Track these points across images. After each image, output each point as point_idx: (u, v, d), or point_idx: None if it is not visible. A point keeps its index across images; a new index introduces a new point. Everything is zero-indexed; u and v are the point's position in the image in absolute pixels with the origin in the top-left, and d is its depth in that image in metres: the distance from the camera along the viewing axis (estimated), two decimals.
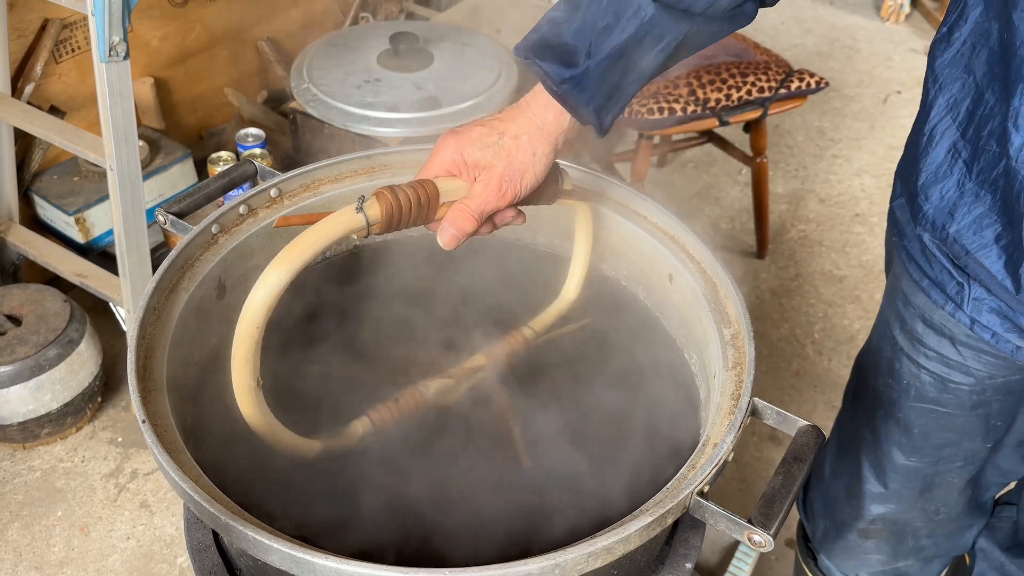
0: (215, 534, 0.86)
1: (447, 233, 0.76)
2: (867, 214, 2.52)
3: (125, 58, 1.43)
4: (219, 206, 0.95)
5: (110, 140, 1.49)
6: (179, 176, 1.99)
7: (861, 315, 2.18)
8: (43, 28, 1.79)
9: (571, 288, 1.00)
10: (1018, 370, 0.93)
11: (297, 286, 0.71)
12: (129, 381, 0.75)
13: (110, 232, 1.90)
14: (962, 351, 0.93)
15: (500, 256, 1.04)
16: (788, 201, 2.56)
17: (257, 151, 1.87)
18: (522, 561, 0.62)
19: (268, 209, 0.97)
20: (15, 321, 1.70)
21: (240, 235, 0.94)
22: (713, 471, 0.70)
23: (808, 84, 2.02)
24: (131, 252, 1.62)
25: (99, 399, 1.84)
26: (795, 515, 1.34)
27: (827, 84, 2.04)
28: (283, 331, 0.83)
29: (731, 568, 1.52)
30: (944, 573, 1.27)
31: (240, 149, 1.88)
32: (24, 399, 1.67)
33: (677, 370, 0.95)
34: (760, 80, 1.99)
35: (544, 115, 0.76)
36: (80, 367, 1.73)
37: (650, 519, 0.66)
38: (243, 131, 1.89)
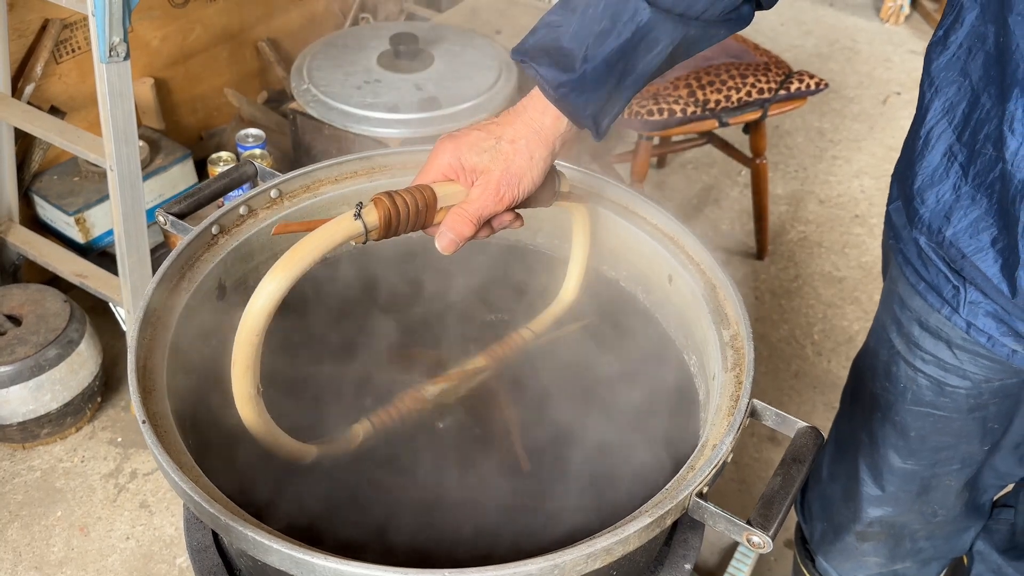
0: (215, 535, 0.86)
1: (445, 238, 0.76)
2: (867, 215, 2.52)
3: (125, 58, 1.43)
4: (219, 207, 0.95)
5: (110, 140, 1.49)
6: (179, 176, 1.99)
7: (860, 316, 2.18)
8: (43, 28, 1.79)
9: (569, 289, 1.00)
10: (1014, 373, 0.93)
11: (296, 288, 0.71)
12: (129, 381, 0.76)
13: (110, 232, 1.91)
14: (958, 355, 0.93)
15: (499, 258, 1.04)
16: (788, 202, 2.56)
17: (257, 152, 1.87)
18: (522, 562, 0.62)
19: (268, 210, 0.97)
20: (15, 321, 1.70)
21: (240, 236, 0.94)
22: (712, 472, 0.70)
23: (808, 85, 2.02)
24: (131, 252, 1.62)
25: (99, 399, 1.84)
26: (794, 516, 1.34)
27: (827, 85, 2.05)
28: (283, 334, 0.83)
29: (730, 569, 1.52)
30: (942, 575, 1.27)
31: (240, 150, 1.88)
32: (24, 399, 1.67)
33: (676, 371, 0.95)
34: (760, 81, 1.99)
35: (541, 119, 0.76)
36: (80, 367, 1.73)
37: (649, 520, 0.66)
38: (243, 132, 1.89)
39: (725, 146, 2.26)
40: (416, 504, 0.81)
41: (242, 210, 0.95)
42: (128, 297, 1.69)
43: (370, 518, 0.79)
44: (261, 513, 0.69)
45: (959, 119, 0.83)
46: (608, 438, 0.88)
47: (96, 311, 1.89)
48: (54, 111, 1.87)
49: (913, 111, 0.91)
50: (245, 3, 2.19)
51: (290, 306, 0.74)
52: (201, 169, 2.03)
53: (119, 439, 1.81)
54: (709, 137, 2.25)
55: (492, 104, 1.91)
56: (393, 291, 1.01)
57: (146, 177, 1.86)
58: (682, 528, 0.88)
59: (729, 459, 0.73)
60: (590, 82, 0.73)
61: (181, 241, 0.89)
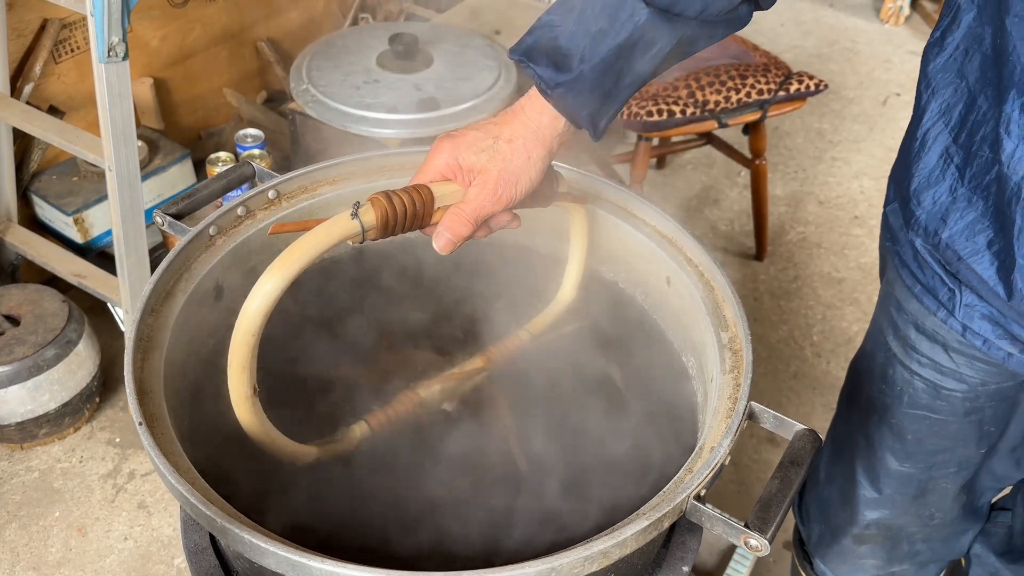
0: (212, 536, 0.86)
1: (443, 238, 0.76)
2: (866, 216, 2.52)
3: (124, 58, 1.43)
4: (218, 207, 0.95)
5: (109, 140, 1.49)
6: (178, 176, 1.99)
7: (859, 317, 2.18)
8: (42, 28, 1.79)
9: (567, 291, 1.00)
10: (1010, 376, 0.93)
11: (293, 289, 0.71)
12: (126, 383, 0.75)
13: (109, 232, 1.90)
14: (955, 358, 0.93)
15: (498, 258, 1.04)
16: (787, 203, 2.56)
17: (256, 152, 1.87)
18: (519, 565, 0.62)
19: (266, 211, 0.97)
20: (13, 321, 1.70)
21: (238, 237, 0.94)
22: (710, 475, 0.70)
23: (807, 86, 2.02)
24: (129, 253, 1.62)
25: (97, 399, 1.84)
26: (792, 518, 1.34)
27: (826, 86, 2.04)
28: (280, 335, 0.83)
29: (729, 571, 1.52)
30: None
31: (239, 150, 1.88)
32: (22, 399, 1.66)
33: (675, 373, 0.95)
34: (759, 82, 1.99)
35: (539, 119, 0.76)
36: (78, 367, 1.73)
37: (646, 523, 0.66)
38: (242, 132, 1.89)
39: (725, 147, 2.26)
40: (413, 506, 0.81)
41: (240, 211, 0.95)
42: (126, 297, 1.69)
43: (367, 520, 0.79)
44: (258, 515, 0.69)
45: (956, 121, 0.83)
46: (606, 440, 0.88)
47: (94, 311, 1.89)
48: (53, 111, 1.87)
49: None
50: (245, 3, 2.19)
51: (287, 306, 0.74)
52: (200, 169, 2.03)
53: (117, 439, 1.81)
54: (708, 138, 2.25)
55: (492, 105, 1.91)
56: (390, 292, 1.01)
57: (145, 177, 1.86)
58: (680, 530, 0.88)
59: (727, 462, 0.73)
60: (588, 82, 0.73)
61: (179, 242, 0.89)
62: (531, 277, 1.03)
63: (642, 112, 1.91)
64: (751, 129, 2.14)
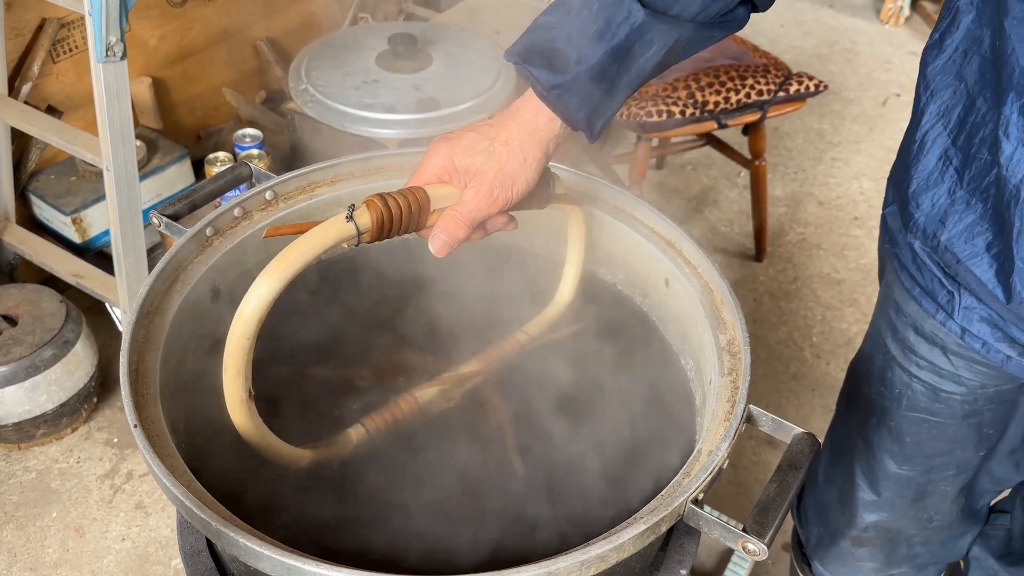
0: (208, 539, 0.86)
1: (438, 240, 0.76)
2: (866, 217, 2.52)
3: (122, 58, 1.43)
4: (216, 207, 0.94)
5: (107, 140, 1.48)
6: (176, 176, 1.99)
7: (859, 319, 2.18)
8: (40, 27, 1.79)
9: (565, 292, 0.99)
10: (1009, 379, 0.93)
11: (289, 290, 0.70)
12: (121, 385, 0.75)
13: (107, 232, 1.90)
14: (953, 360, 0.93)
15: (495, 260, 1.03)
16: (787, 204, 2.55)
17: (255, 152, 1.87)
18: (515, 569, 0.62)
19: (263, 212, 0.97)
20: (11, 321, 1.70)
21: (235, 238, 0.93)
22: (708, 479, 0.70)
23: (807, 87, 2.01)
24: (127, 253, 1.62)
25: (95, 400, 1.83)
26: (791, 520, 1.34)
27: (826, 87, 2.04)
28: (276, 337, 0.83)
29: (727, 572, 1.52)
30: None
31: (238, 150, 1.88)
32: (19, 400, 1.66)
33: (673, 375, 0.95)
34: (759, 83, 1.98)
35: (535, 120, 0.75)
36: (76, 368, 1.72)
37: (644, 527, 0.66)
38: (241, 131, 1.89)
39: (724, 148, 2.26)
40: (409, 510, 0.81)
41: (236, 212, 0.95)
42: (124, 297, 1.68)
43: (363, 524, 0.78)
44: (253, 518, 0.69)
45: (954, 123, 0.83)
46: (604, 443, 0.87)
47: (92, 311, 1.89)
48: (51, 110, 1.86)
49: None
50: (243, 3, 2.19)
51: (284, 309, 0.74)
52: (199, 169, 2.02)
53: (115, 440, 1.81)
54: (708, 139, 2.25)
55: (491, 105, 1.90)
56: (387, 294, 1.01)
57: (143, 177, 1.86)
58: (678, 533, 0.87)
59: (725, 465, 0.73)
60: (584, 84, 0.73)
61: (175, 243, 0.89)
62: (529, 279, 1.03)
63: (641, 113, 1.90)
64: (751, 130, 2.13)
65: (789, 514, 0.99)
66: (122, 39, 1.41)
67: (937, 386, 0.96)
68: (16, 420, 1.69)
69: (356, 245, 0.74)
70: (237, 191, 1.03)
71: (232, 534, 0.64)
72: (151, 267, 1.64)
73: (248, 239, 0.94)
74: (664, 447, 0.85)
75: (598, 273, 1.05)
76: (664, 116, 1.91)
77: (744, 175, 2.63)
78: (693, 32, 0.74)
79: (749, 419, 0.77)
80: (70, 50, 1.86)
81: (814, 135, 2.84)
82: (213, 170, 1.84)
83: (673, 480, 0.72)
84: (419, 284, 1.00)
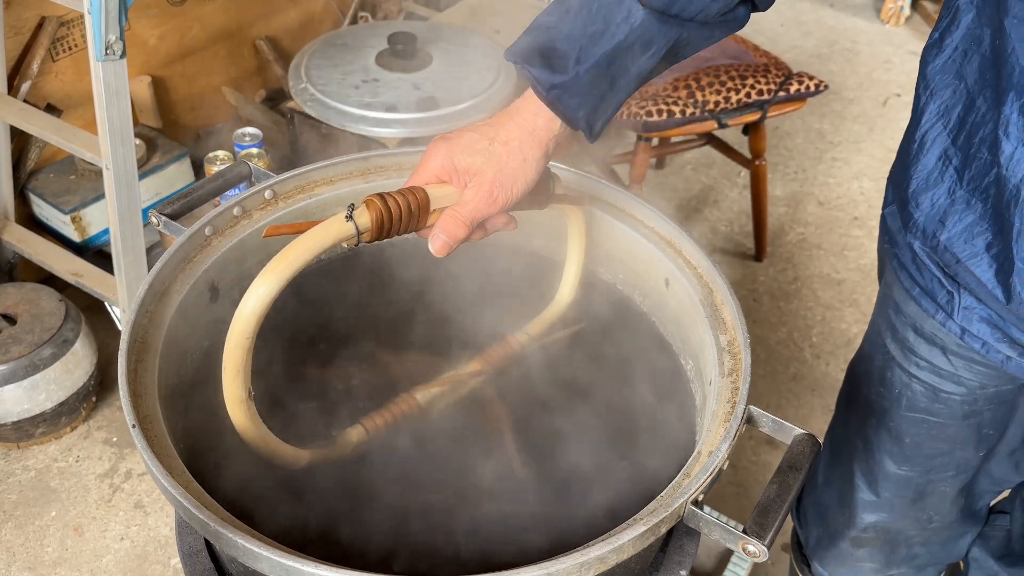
0: (206, 539, 0.85)
1: (438, 240, 0.76)
2: (866, 217, 2.51)
3: (121, 57, 1.42)
4: (215, 206, 0.94)
5: (106, 139, 1.48)
6: (176, 175, 1.99)
7: (859, 319, 2.18)
8: (40, 26, 1.79)
9: (565, 293, 0.99)
10: (1009, 380, 0.93)
11: (289, 291, 0.70)
12: (120, 385, 0.75)
13: (106, 231, 1.90)
14: (953, 361, 0.93)
15: (496, 260, 1.03)
16: (787, 204, 2.55)
17: (254, 150, 1.86)
18: (515, 570, 0.62)
19: (262, 211, 0.96)
20: (10, 320, 1.70)
21: (234, 237, 0.93)
22: (708, 480, 0.70)
23: (807, 87, 2.01)
24: (127, 251, 1.62)
25: (94, 399, 1.83)
26: (790, 521, 1.34)
27: (826, 87, 2.04)
28: (276, 337, 0.82)
29: (727, 573, 1.52)
30: None
31: (237, 148, 1.88)
32: (18, 398, 1.66)
33: (673, 376, 0.95)
34: (759, 83, 1.98)
35: (535, 120, 0.75)
36: (75, 366, 1.72)
37: (643, 528, 0.66)
38: (240, 130, 1.88)
39: (724, 147, 2.26)
40: (409, 511, 0.80)
41: (236, 211, 0.94)
42: (124, 296, 1.68)
43: (363, 524, 0.78)
44: (252, 519, 0.68)
45: (954, 123, 0.83)
46: (603, 443, 0.87)
47: (92, 310, 1.89)
48: (50, 109, 1.86)
49: None
50: (243, 1, 2.19)
51: (283, 308, 0.74)
52: (198, 168, 2.02)
53: (114, 439, 1.81)
54: (708, 138, 2.24)
55: (491, 104, 1.90)
56: (386, 294, 1.01)
57: (143, 176, 1.86)
58: (678, 534, 0.87)
59: (725, 466, 0.72)
60: (583, 84, 0.72)
61: (174, 242, 0.89)
62: (529, 279, 1.03)
63: (641, 112, 1.90)
64: (751, 129, 2.13)
65: (789, 515, 0.99)
66: (121, 38, 1.40)
67: (937, 386, 0.96)
68: (15, 419, 1.69)
69: (356, 245, 0.74)
70: (236, 190, 1.03)
71: (231, 535, 0.64)
72: (150, 266, 1.64)
73: (247, 238, 0.94)
74: (664, 448, 0.85)
75: (598, 273, 1.04)
76: (664, 116, 1.91)
77: (744, 175, 2.63)
78: (693, 32, 0.73)
79: (749, 420, 0.77)
80: (69, 48, 1.85)
81: (814, 135, 2.84)
82: (212, 169, 1.83)
83: (673, 481, 0.72)
84: (419, 284, 1.00)
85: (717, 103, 1.94)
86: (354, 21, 2.43)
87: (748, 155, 2.19)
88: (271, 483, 0.79)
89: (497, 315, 0.98)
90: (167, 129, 2.09)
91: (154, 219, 0.93)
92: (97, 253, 1.93)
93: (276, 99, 2.31)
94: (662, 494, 0.71)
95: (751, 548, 0.67)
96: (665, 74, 1.97)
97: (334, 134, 1.88)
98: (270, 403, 0.79)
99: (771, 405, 1.94)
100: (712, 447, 0.74)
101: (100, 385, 1.85)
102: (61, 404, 1.72)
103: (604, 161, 2.21)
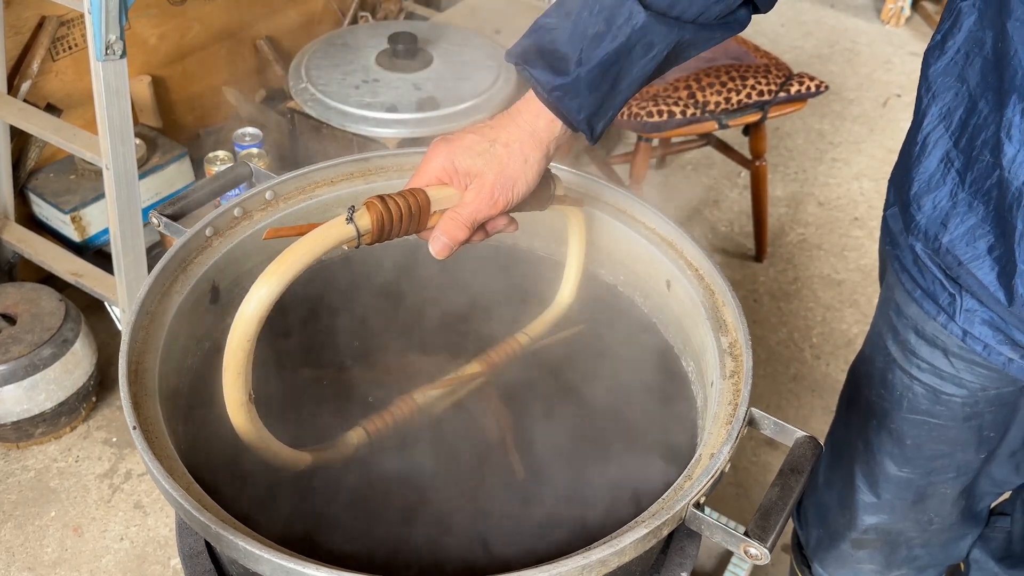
0: (207, 541, 0.85)
1: (439, 242, 0.76)
2: (866, 218, 2.51)
3: (122, 56, 1.42)
4: (216, 207, 0.94)
5: (106, 139, 1.48)
6: (176, 175, 1.98)
7: (859, 319, 2.18)
8: (40, 25, 1.78)
9: (565, 294, 0.99)
10: (1011, 382, 0.93)
11: (289, 291, 0.70)
12: (120, 387, 0.75)
13: (106, 231, 1.90)
14: (955, 363, 0.93)
15: (496, 261, 1.03)
16: (787, 204, 2.55)
17: (254, 150, 1.86)
18: (516, 573, 0.62)
19: (263, 212, 0.96)
20: (10, 320, 1.69)
21: (234, 238, 0.93)
22: (709, 483, 0.70)
23: (808, 88, 2.01)
24: (127, 251, 1.62)
25: (94, 399, 1.83)
26: (791, 522, 1.34)
27: (827, 88, 2.04)
28: (276, 338, 0.82)
29: (726, 574, 1.51)
30: None
31: (237, 148, 1.87)
32: (18, 398, 1.66)
33: (674, 377, 0.95)
34: (760, 83, 1.98)
35: (535, 122, 0.75)
36: (75, 366, 1.72)
37: (645, 531, 0.66)
38: (240, 130, 1.88)
39: (725, 148, 2.26)
40: (409, 513, 0.80)
41: (236, 212, 0.94)
42: (124, 296, 1.68)
43: (363, 526, 0.78)
44: (253, 521, 0.68)
45: (956, 125, 0.83)
46: (604, 445, 0.87)
47: (91, 310, 1.88)
48: (50, 108, 1.86)
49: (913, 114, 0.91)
50: (244, 1, 2.18)
51: (283, 311, 0.74)
52: (198, 168, 2.02)
53: (114, 439, 1.81)
54: (708, 139, 2.24)
55: (491, 104, 1.90)
56: (387, 296, 1.00)
57: (143, 175, 1.85)
58: (679, 536, 0.87)
59: (727, 468, 0.72)
60: (585, 85, 0.72)
61: (175, 243, 0.89)
62: (529, 280, 1.03)
63: (642, 113, 1.90)
64: (751, 130, 2.13)
65: (790, 517, 0.98)
66: (122, 37, 1.40)
67: (938, 388, 0.96)
68: (15, 419, 1.68)
69: (356, 247, 0.73)
70: (237, 191, 1.03)
71: (231, 537, 0.64)
72: (150, 266, 1.64)
73: (248, 239, 0.94)
74: (665, 450, 0.85)
75: (598, 274, 1.04)
76: (665, 116, 1.90)
77: (744, 175, 2.62)
78: (694, 34, 0.73)
79: (751, 422, 0.77)
80: (70, 48, 1.85)
81: (815, 135, 2.84)
82: (212, 169, 1.83)
83: (675, 483, 0.72)
84: (419, 286, 1.00)
85: (718, 104, 1.94)
86: (354, 21, 2.43)
87: (748, 155, 2.19)
88: (271, 485, 0.79)
89: (497, 316, 0.98)
90: (167, 129, 2.09)
91: (155, 220, 0.93)
92: (97, 253, 1.93)
93: (276, 99, 2.30)
94: (663, 496, 0.71)
95: (753, 551, 0.67)
96: (666, 74, 1.97)
97: (334, 134, 1.88)
98: (270, 405, 0.78)
99: (771, 406, 1.94)
100: (713, 449, 0.73)
101: (100, 385, 1.85)
102: (61, 404, 1.72)
103: (604, 162, 2.21)
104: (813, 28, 3.42)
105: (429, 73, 1.95)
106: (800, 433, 0.75)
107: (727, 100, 1.95)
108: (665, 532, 0.68)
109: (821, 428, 1.61)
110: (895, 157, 0.95)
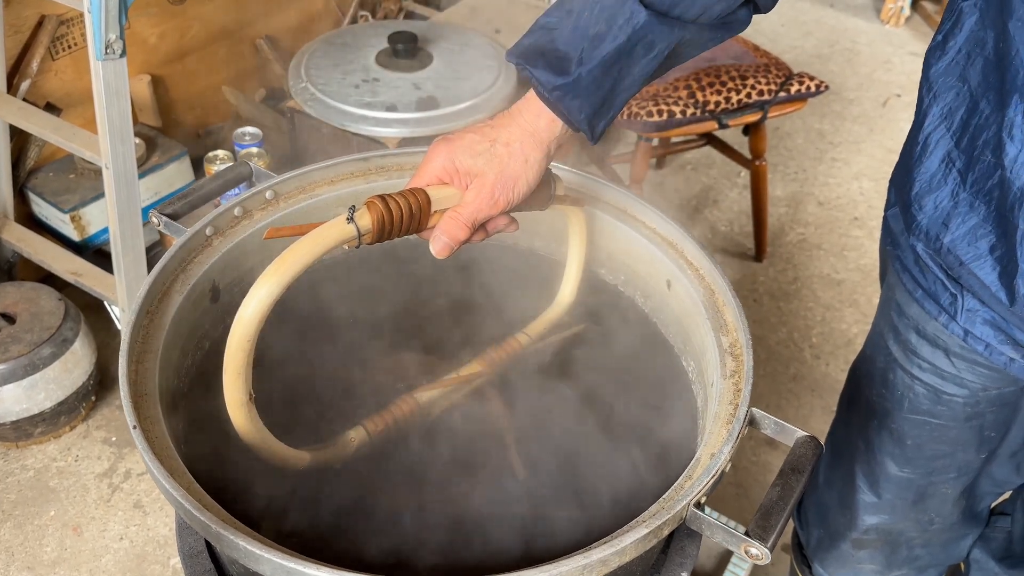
0: (207, 540, 0.85)
1: (439, 241, 0.76)
2: (865, 218, 2.51)
3: (121, 56, 1.42)
4: (216, 206, 0.94)
5: (106, 138, 1.48)
6: (175, 174, 1.98)
7: (859, 319, 2.18)
8: (40, 24, 1.78)
9: (566, 294, 0.99)
10: (1012, 382, 0.93)
11: (289, 292, 0.70)
12: (120, 386, 0.75)
13: (105, 230, 1.89)
14: (956, 363, 0.93)
15: (497, 261, 1.03)
16: (787, 204, 2.55)
17: (254, 150, 1.86)
18: (517, 573, 0.62)
19: (263, 211, 0.96)
20: (9, 319, 1.69)
21: (235, 237, 0.93)
22: (710, 483, 0.70)
23: (808, 87, 2.01)
24: (126, 251, 1.62)
25: (93, 398, 1.83)
26: (791, 522, 1.33)
27: (827, 87, 2.04)
28: (276, 338, 0.82)
29: (726, 574, 1.51)
30: None
31: (237, 148, 1.87)
32: (18, 398, 1.66)
33: (674, 377, 0.95)
34: (760, 83, 1.98)
35: (536, 122, 0.75)
36: (74, 366, 1.72)
37: (646, 531, 0.66)
38: (240, 130, 1.88)
39: (725, 147, 2.26)
40: (410, 512, 0.80)
41: (237, 211, 0.94)
42: (123, 296, 1.68)
43: (363, 526, 0.78)
44: (253, 521, 0.68)
45: (957, 125, 0.83)
46: (605, 445, 0.87)
47: (91, 309, 1.88)
48: (50, 108, 1.86)
49: (913, 113, 0.91)
50: (243, 0, 2.18)
51: (284, 310, 0.73)
52: (198, 167, 2.02)
53: (113, 438, 1.81)
54: (708, 138, 2.24)
55: (491, 104, 1.90)
56: (388, 295, 1.00)
57: (142, 175, 1.85)
58: (679, 536, 0.87)
59: (727, 468, 0.72)
60: (585, 85, 0.72)
61: (175, 243, 0.88)
62: (530, 280, 1.03)
63: (642, 112, 1.90)
64: (751, 130, 2.13)
65: (791, 517, 0.98)
66: (121, 36, 1.40)
67: (939, 388, 0.96)
68: (14, 418, 1.68)
69: (357, 247, 0.73)
70: (237, 190, 1.03)
71: (232, 536, 0.63)
72: (150, 266, 1.64)
73: (248, 239, 0.94)
74: (666, 449, 0.85)
75: (599, 274, 1.04)
76: (665, 116, 1.90)
77: (744, 175, 2.62)
78: (695, 34, 0.73)
79: (752, 422, 0.77)
80: (69, 47, 1.85)
81: (814, 135, 2.84)
82: (212, 168, 1.83)
83: (675, 483, 0.72)
84: (420, 286, 1.00)
85: (717, 103, 1.94)
86: (354, 20, 2.43)
87: (748, 155, 2.19)
88: (272, 484, 0.79)
89: (498, 316, 0.97)
90: (167, 128, 2.09)
91: (155, 219, 0.93)
92: (96, 252, 1.93)
93: (276, 98, 2.30)
94: (664, 496, 0.70)
95: (753, 551, 0.67)
96: (666, 74, 1.97)
97: (334, 134, 1.88)
98: (271, 404, 0.78)
99: (771, 405, 1.94)
100: (714, 449, 0.73)
101: (99, 384, 1.85)
102: (60, 403, 1.72)
103: (604, 161, 2.21)
104: (813, 28, 3.42)
105: (429, 73, 1.95)
106: (801, 433, 0.75)
107: (727, 100, 1.95)
108: (666, 532, 0.68)
109: (821, 428, 1.61)
110: (895, 157, 0.95)
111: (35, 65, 1.78)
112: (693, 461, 0.74)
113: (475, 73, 1.96)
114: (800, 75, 2.03)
